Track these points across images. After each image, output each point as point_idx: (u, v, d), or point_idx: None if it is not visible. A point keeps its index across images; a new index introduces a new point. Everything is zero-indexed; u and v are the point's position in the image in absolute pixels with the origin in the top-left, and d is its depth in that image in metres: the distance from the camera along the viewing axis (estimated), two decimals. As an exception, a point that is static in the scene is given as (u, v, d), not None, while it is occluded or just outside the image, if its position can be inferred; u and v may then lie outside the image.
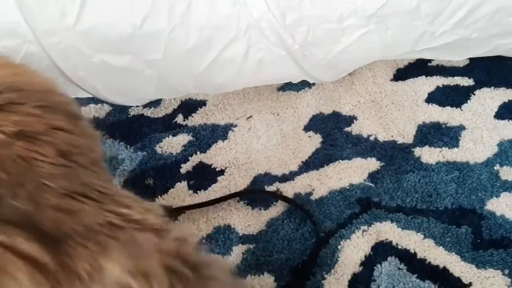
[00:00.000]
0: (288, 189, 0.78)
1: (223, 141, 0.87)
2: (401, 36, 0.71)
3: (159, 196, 0.82)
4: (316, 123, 0.85)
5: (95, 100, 0.94)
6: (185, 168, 0.85)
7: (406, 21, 0.68)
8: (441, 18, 0.66)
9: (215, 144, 0.87)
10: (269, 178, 0.80)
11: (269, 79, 0.84)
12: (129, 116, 0.95)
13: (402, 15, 0.67)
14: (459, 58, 0.79)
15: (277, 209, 0.76)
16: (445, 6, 0.65)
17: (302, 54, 0.73)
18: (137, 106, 0.96)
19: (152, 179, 0.85)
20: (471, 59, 0.86)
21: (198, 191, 0.81)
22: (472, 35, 0.68)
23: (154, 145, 0.89)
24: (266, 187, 0.79)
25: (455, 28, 0.67)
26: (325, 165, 0.80)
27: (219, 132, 0.88)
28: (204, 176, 0.83)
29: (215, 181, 0.82)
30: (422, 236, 0.71)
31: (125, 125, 0.93)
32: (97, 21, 0.74)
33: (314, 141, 0.83)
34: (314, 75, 0.79)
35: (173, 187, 0.83)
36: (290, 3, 0.69)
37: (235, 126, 0.89)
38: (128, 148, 0.89)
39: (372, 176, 0.78)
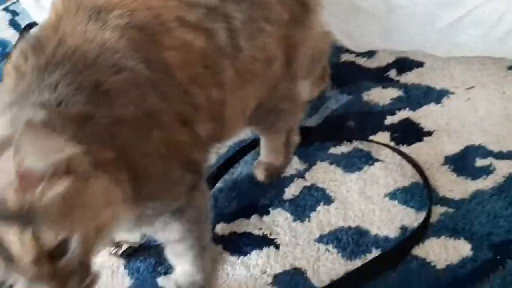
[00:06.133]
0: (503, 167, 0.74)
1: (436, 105, 0.84)
2: None
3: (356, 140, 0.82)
4: (549, 109, 0.78)
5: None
6: (390, 120, 0.84)
7: None
8: None
9: (426, 105, 0.85)
10: (482, 151, 0.76)
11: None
12: (340, 61, 0.97)
13: None
14: None
15: (486, 183, 0.72)
16: None
17: None
18: (350, 53, 0.97)
19: (354, 122, 0.86)
20: None
21: (401, 145, 0.80)
22: None
23: (361, 91, 0.89)
24: (477, 159, 0.75)
25: None
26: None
27: (432, 95, 0.86)
28: (409, 132, 0.82)
29: (420, 140, 0.80)
30: None
31: (336, 68, 0.94)
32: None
33: (543, 127, 0.77)
34: None
35: (374, 134, 0.83)
36: None
37: (452, 93, 0.85)
38: (335, 88, 0.91)
39: None
